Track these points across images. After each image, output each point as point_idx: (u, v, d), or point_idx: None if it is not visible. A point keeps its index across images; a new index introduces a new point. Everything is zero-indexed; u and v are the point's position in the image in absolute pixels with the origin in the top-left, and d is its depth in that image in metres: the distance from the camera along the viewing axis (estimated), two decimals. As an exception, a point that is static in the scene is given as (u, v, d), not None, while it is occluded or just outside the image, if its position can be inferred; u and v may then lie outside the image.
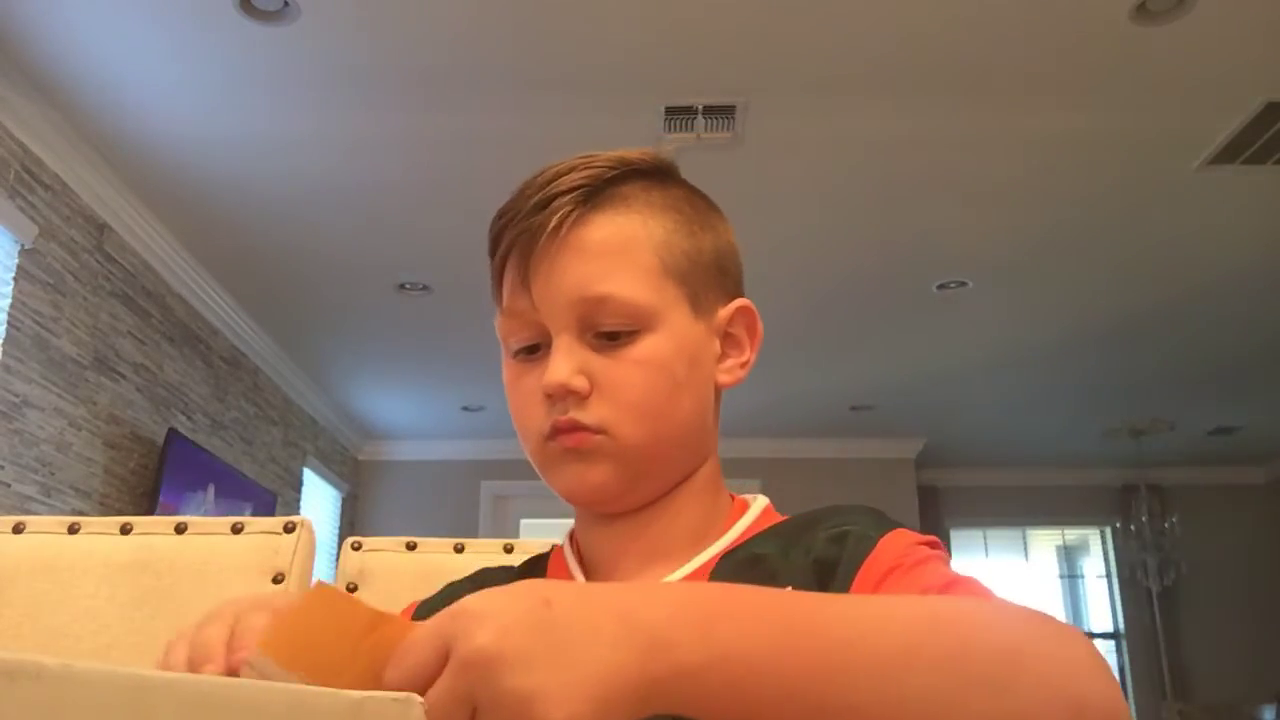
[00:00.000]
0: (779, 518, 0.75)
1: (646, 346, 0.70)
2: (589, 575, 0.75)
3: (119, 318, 3.69)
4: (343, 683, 0.37)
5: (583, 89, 3.01)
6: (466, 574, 0.82)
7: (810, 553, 0.66)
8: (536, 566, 0.80)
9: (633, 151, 0.74)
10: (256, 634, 0.46)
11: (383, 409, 6.25)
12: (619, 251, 0.71)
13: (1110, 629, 7.31)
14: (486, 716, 0.40)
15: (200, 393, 4.40)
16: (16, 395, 3.08)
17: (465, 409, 6.06)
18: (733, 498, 0.78)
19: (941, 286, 4.41)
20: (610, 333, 0.70)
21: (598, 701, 0.41)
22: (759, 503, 0.77)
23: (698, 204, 0.77)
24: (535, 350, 0.72)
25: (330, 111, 3.12)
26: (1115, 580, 7.35)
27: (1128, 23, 2.72)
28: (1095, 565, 7.64)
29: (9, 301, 3.04)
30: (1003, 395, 5.89)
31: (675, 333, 0.71)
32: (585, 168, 0.72)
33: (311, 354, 5.27)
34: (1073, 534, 7.79)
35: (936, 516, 7.16)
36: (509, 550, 1.08)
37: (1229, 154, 3.34)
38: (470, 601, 0.42)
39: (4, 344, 3.01)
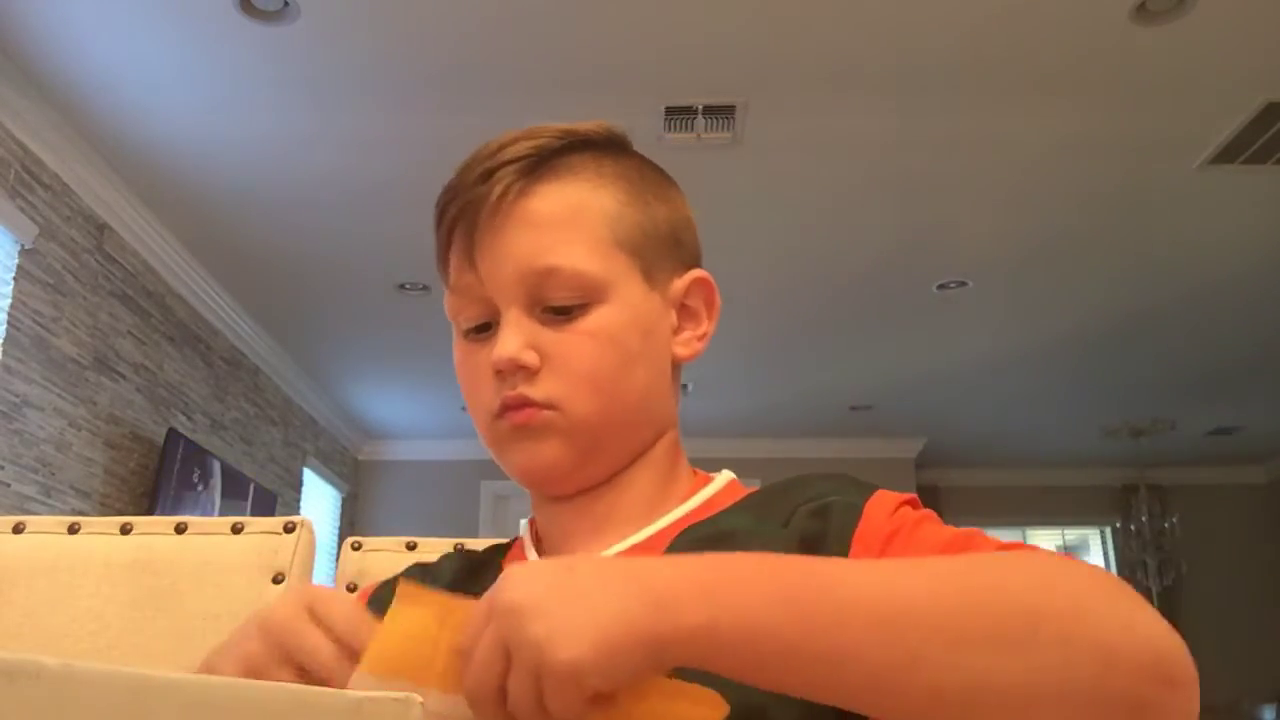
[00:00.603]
0: (745, 490, 0.73)
1: (597, 318, 0.68)
2: (543, 555, 0.74)
3: (119, 318, 3.69)
4: (434, 674, 0.47)
5: (583, 89, 3.01)
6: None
7: (789, 525, 0.64)
8: (499, 551, 0.80)
9: (584, 123, 0.72)
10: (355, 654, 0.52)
11: (383, 409, 6.25)
12: (566, 222, 0.69)
13: (1110, 629, 7.31)
14: (515, 659, 0.45)
15: (200, 393, 4.40)
16: (16, 395, 3.08)
17: (465, 409, 6.05)
18: (695, 472, 0.76)
19: (941, 286, 4.41)
20: (560, 307, 0.68)
21: (601, 645, 0.44)
22: (723, 476, 0.75)
23: (649, 175, 0.74)
24: (486, 329, 0.70)
25: (330, 111, 3.13)
26: (1115, 580, 7.34)
27: (1128, 23, 2.72)
28: (1095, 565, 7.64)
29: (9, 301, 3.04)
30: (1003, 395, 5.89)
31: (627, 304, 0.69)
32: (530, 138, 0.70)
33: (311, 354, 5.28)
34: (1073, 534, 7.79)
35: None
36: (509, 550, 1.08)
37: (1229, 154, 3.34)
38: (512, 568, 0.48)
39: (4, 344, 3.01)
